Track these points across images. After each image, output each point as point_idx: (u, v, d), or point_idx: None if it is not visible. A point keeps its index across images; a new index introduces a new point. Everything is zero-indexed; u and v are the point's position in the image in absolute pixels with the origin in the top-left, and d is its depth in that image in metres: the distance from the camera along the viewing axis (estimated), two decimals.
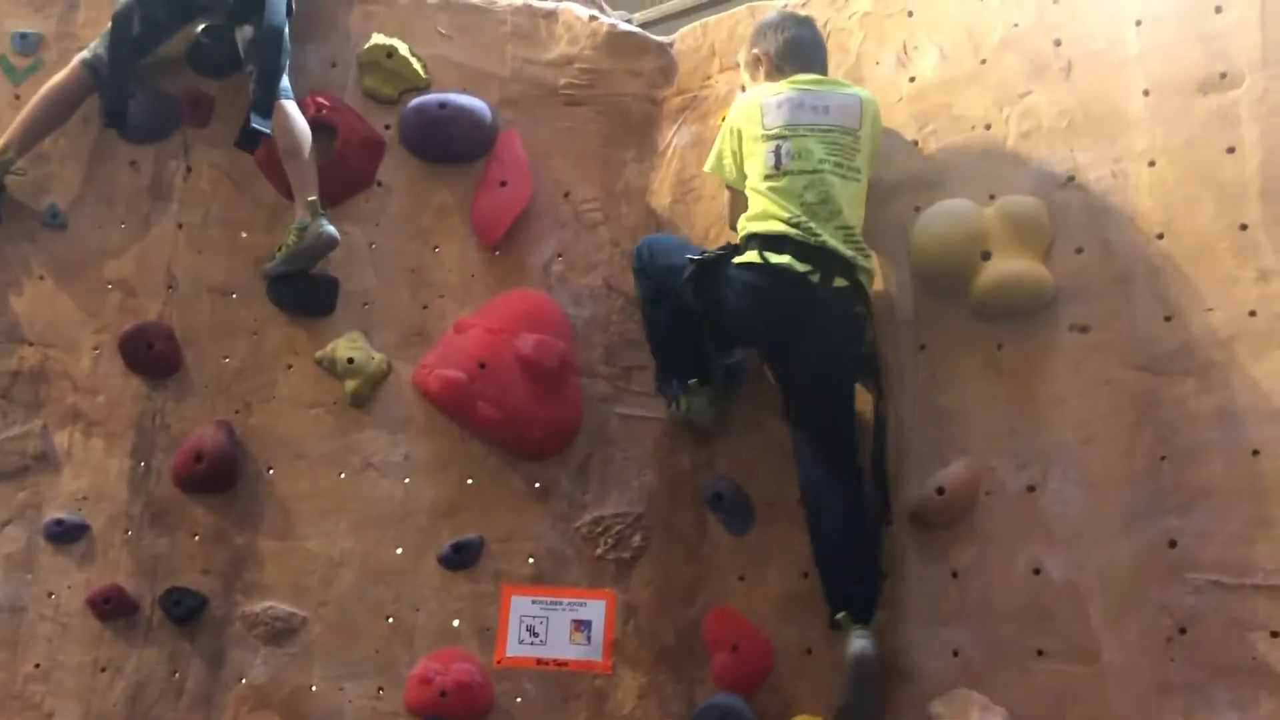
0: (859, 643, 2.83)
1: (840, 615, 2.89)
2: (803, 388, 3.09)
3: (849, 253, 3.00)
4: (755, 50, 3.25)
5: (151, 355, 3.49)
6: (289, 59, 3.48)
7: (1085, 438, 2.89)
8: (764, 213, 3.04)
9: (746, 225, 3.08)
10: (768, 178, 3.04)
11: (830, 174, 3.02)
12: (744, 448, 3.34)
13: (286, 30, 3.46)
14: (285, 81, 3.45)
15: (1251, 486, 2.69)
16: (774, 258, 2.97)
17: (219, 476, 3.40)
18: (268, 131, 3.37)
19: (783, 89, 3.11)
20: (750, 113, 3.12)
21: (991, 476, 2.98)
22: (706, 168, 3.30)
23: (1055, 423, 2.93)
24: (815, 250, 2.97)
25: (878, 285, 3.21)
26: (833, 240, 2.98)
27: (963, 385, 3.09)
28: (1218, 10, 2.94)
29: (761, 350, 3.24)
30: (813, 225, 2.98)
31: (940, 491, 2.98)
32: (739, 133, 3.13)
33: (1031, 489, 2.92)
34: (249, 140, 3.38)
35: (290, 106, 3.44)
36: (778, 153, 3.04)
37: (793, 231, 2.98)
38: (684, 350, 3.25)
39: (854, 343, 3.04)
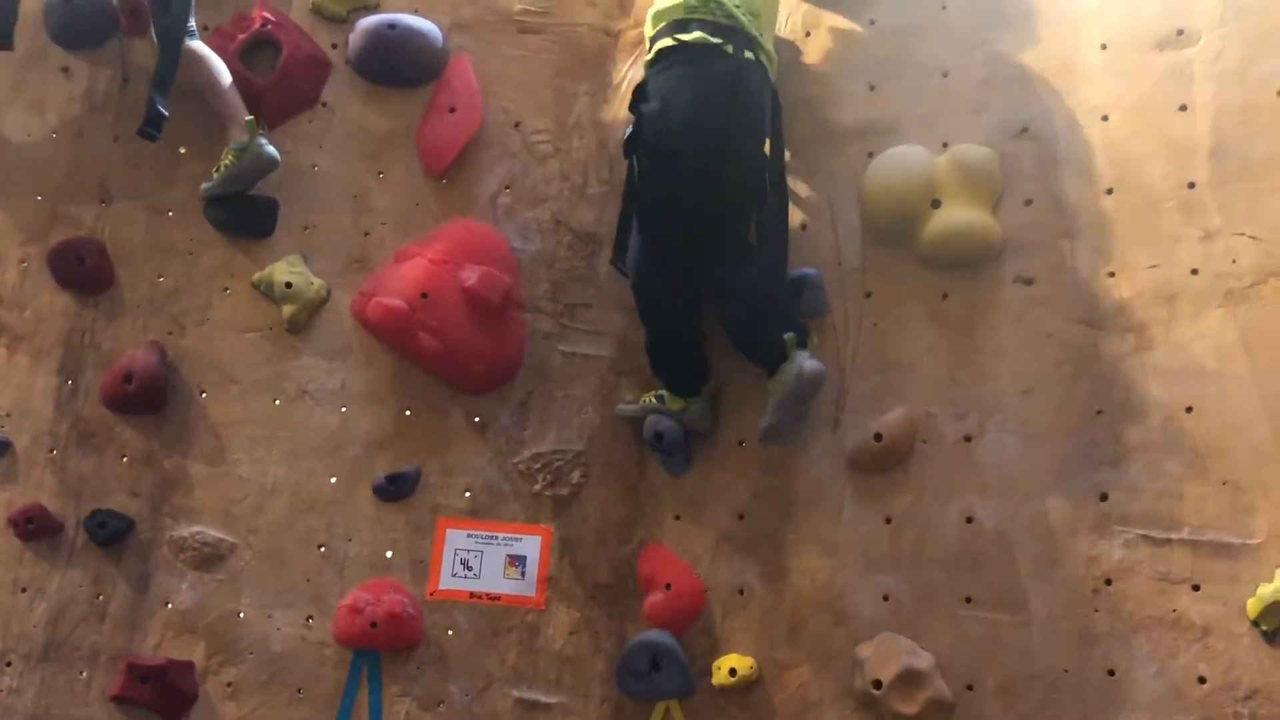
0: (809, 363, 2.88)
1: (788, 336, 2.91)
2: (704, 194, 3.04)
3: (753, 31, 3.03)
4: None
5: (82, 270, 3.39)
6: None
7: (1024, 389, 2.90)
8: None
9: (651, 20, 3.14)
10: None
11: None
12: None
13: None
14: (191, 23, 3.32)
15: (1184, 443, 2.73)
16: (684, 36, 3.00)
17: (149, 398, 3.32)
18: (167, 115, 3.24)
19: None
20: None
21: (930, 424, 2.99)
22: None
23: (995, 374, 2.94)
24: (722, 26, 3.00)
25: (826, 230, 3.18)
26: (738, 14, 3.01)
27: (907, 333, 3.09)
28: None
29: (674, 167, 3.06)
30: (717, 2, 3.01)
31: (878, 438, 2.99)
32: None
33: (968, 439, 2.94)
34: (154, 124, 3.23)
35: (194, 45, 3.31)
36: None
37: (698, 8, 3.01)
38: (684, 361, 3.21)
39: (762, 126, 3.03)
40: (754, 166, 3.04)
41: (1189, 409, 2.73)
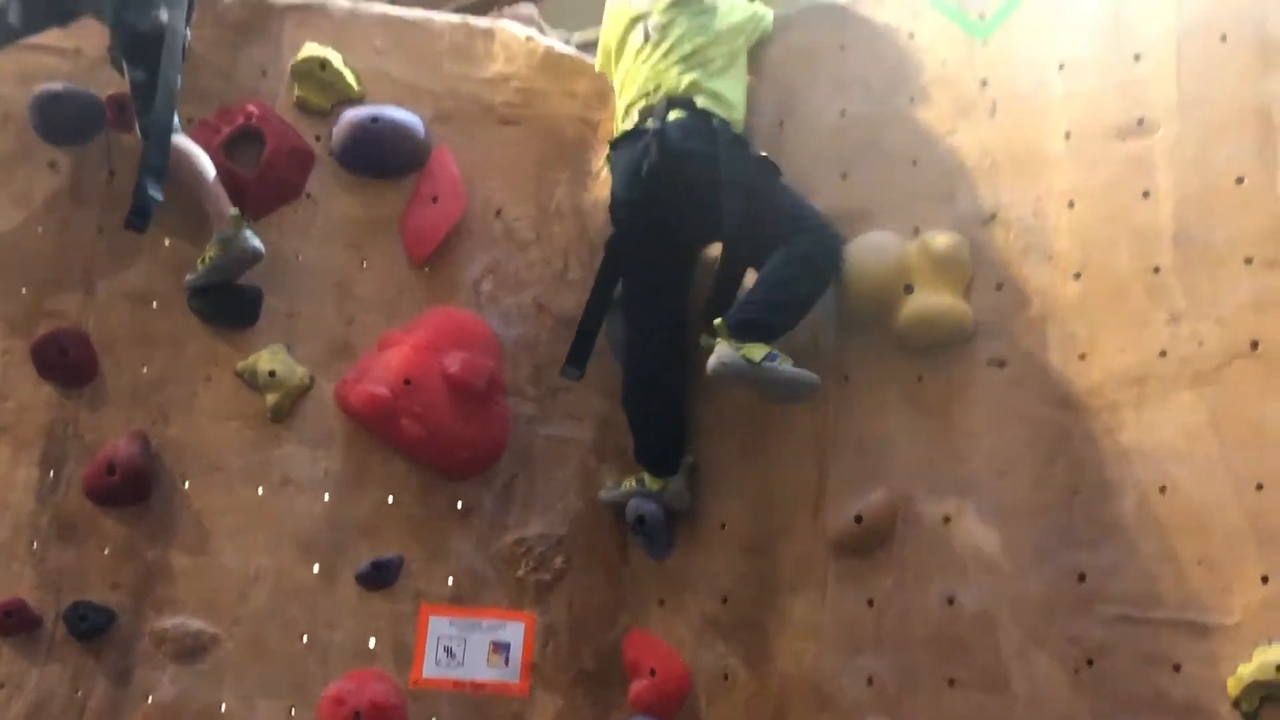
0: (713, 360, 2.92)
1: (717, 323, 2.97)
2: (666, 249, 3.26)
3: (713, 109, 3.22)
4: None
5: (65, 362, 3.40)
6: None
7: (1000, 470, 2.94)
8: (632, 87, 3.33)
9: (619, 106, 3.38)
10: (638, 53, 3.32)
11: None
12: None
13: (179, 79, 3.36)
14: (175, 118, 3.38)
15: (1159, 523, 2.76)
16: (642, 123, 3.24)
17: (132, 488, 3.32)
18: (160, 199, 3.27)
19: None
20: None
21: (909, 506, 3.02)
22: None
23: (972, 455, 2.99)
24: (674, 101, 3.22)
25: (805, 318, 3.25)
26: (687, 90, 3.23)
27: (884, 416, 3.13)
28: (1136, 58, 3.04)
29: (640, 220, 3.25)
30: (672, 82, 3.24)
31: (859, 520, 3.02)
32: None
33: (947, 520, 2.97)
34: (141, 215, 3.26)
35: (179, 140, 3.37)
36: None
37: (651, 98, 3.26)
38: (669, 440, 3.27)
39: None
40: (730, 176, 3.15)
41: (1162, 489, 2.77)
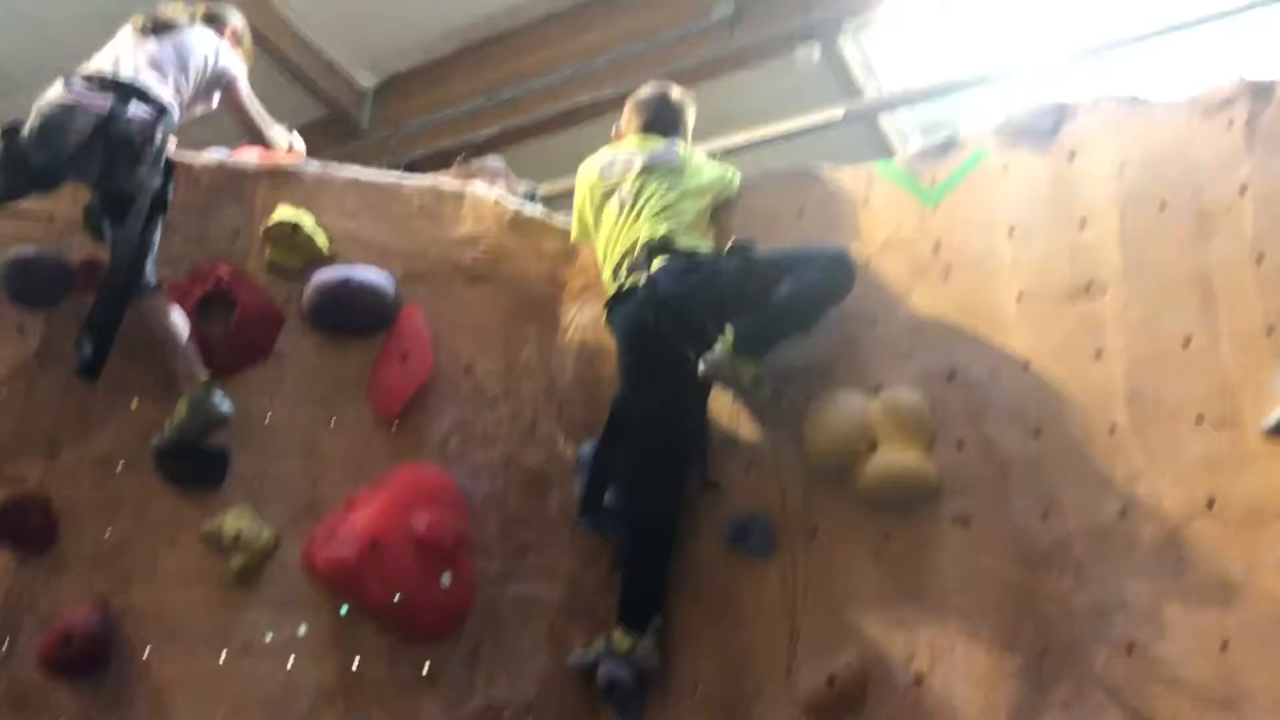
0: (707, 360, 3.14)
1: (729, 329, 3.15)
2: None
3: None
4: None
5: (24, 529, 3.35)
6: (155, 250, 3.46)
7: (969, 631, 2.95)
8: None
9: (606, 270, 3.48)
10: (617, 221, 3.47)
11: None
12: None
13: (155, 237, 3.44)
14: (149, 272, 3.42)
15: (1128, 683, 2.77)
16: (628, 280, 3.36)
17: (89, 659, 3.23)
18: (89, 356, 3.32)
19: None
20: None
21: (881, 667, 3.01)
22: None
23: (941, 615, 3.00)
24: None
25: (770, 472, 3.28)
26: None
27: (853, 573, 3.15)
28: (1082, 224, 3.17)
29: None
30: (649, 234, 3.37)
31: (831, 683, 3.00)
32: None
33: (918, 681, 2.96)
34: (87, 371, 3.32)
35: (153, 301, 3.42)
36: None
37: (633, 255, 3.38)
38: (656, 584, 3.29)
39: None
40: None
41: (1130, 648, 2.79)
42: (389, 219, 3.77)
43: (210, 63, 3.68)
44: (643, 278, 3.31)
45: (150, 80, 3.48)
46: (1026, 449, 3.05)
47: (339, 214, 3.75)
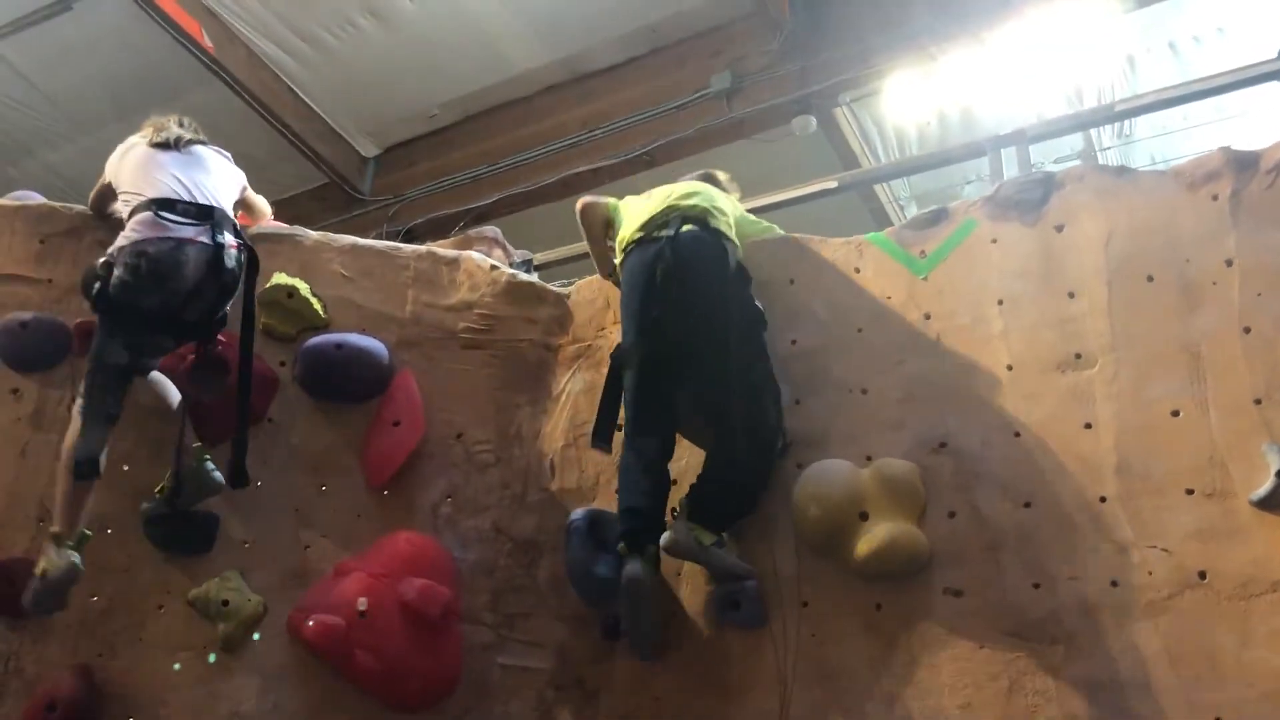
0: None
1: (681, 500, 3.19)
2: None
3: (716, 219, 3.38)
4: None
5: (11, 593, 3.32)
6: None
7: (962, 704, 2.92)
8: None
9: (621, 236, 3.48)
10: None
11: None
12: (628, 703, 3.28)
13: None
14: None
15: None
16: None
17: None
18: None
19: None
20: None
21: None
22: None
23: (933, 688, 2.96)
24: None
25: (761, 540, 3.27)
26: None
27: (844, 644, 3.12)
28: (1070, 295, 3.19)
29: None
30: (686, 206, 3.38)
31: None
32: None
33: None
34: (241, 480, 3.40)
35: (155, 376, 3.46)
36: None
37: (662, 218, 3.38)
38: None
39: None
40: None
41: None
42: (384, 285, 3.81)
43: (233, 173, 3.66)
44: (669, 232, 3.30)
45: (224, 201, 3.45)
46: (1017, 519, 3.03)
47: (335, 279, 3.78)
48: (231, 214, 3.49)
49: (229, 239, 3.35)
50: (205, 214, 3.34)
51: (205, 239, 3.29)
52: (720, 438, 3.22)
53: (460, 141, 6.99)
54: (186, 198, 3.35)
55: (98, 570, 3.41)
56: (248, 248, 3.42)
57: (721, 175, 3.77)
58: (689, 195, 3.44)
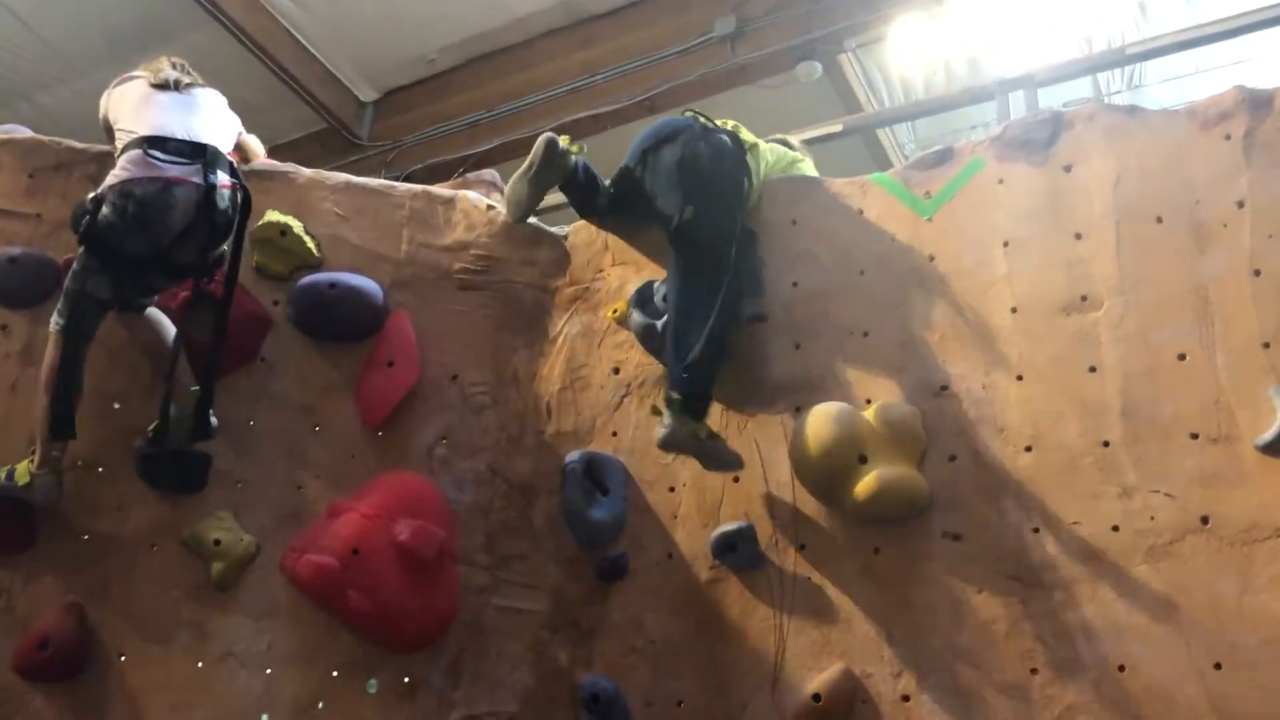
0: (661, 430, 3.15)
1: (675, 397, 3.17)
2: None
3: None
4: None
5: (2, 530, 3.30)
6: None
7: (959, 648, 2.90)
8: None
9: None
10: None
11: None
12: (623, 646, 3.27)
13: None
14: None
15: (1118, 702, 2.71)
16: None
17: (65, 664, 3.19)
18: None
19: None
20: None
21: (868, 683, 2.96)
22: None
23: (930, 631, 2.94)
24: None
25: (758, 483, 3.23)
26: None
27: (841, 588, 3.09)
28: (1077, 237, 3.13)
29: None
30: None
31: (816, 699, 2.94)
32: None
33: (906, 699, 2.91)
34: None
35: (153, 313, 3.46)
36: None
37: None
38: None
39: None
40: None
41: (1121, 668, 2.73)
42: (379, 224, 3.74)
43: (230, 118, 3.60)
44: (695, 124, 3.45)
45: (219, 142, 3.38)
46: (1019, 463, 3.00)
47: (329, 218, 3.72)
48: (228, 155, 3.42)
49: (222, 178, 3.29)
50: (198, 152, 3.28)
51: (197, 179, 3.23)
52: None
53: (459, 86, 6.89)
54: (181, 136, 3.28)
55: (90, 509, 3.39)
56: (244, 188, 3.35)
57: (794, 139, 3.94)
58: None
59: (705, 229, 3.28)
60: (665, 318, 3.36)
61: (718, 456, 3.20)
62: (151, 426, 3.35)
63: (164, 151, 3.24)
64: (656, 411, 3.26)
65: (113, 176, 3.21)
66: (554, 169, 3.59)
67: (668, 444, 3.17)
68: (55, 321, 3.22)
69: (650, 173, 3.47)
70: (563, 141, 3.60)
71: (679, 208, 3.31)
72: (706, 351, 3.16)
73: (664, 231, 3.40)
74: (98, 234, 3.16)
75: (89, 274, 3.20)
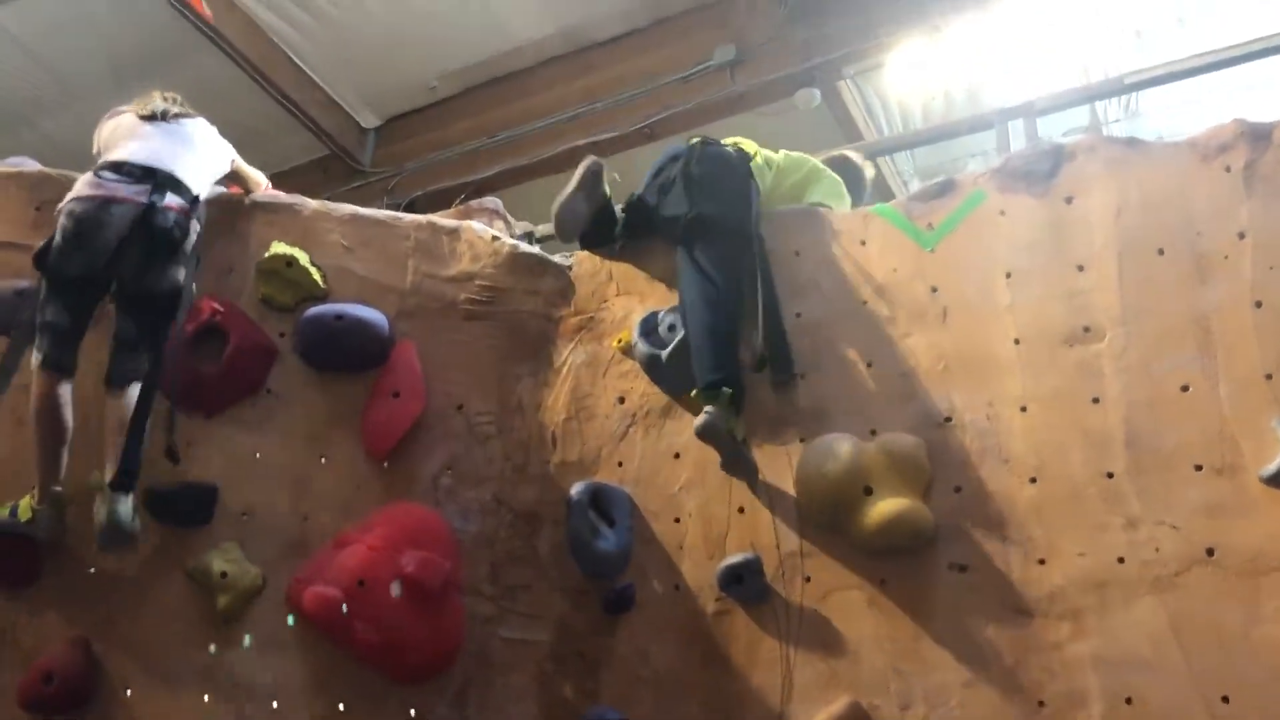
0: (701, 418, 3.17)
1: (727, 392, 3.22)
2: None
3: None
4: None
5: (6, 564, 3.30)
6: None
7: (966, 680, 2.90)
8: None
9: None
10: None
11: None
12: (629, 677, 3.26)
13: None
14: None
15: None
16: None
17: (70, 699, 3.19)
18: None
19: None
20: None
21: (876, 715, 2.96)
22: None
23: (937, 663, 2.94)
24: None
25: (764, 514, 3.24)
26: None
27: (848, 620, 3.10)
28: (1079, 268, 3.16)
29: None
30: None
31: None
32: None
33: None
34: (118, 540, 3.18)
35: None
36: None
37: None
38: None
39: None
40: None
41: (1129, 700, 2.74)
42: (384, 255, 3.76)
43: (219, 148, 3.65)
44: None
45: (181, 169, 3.39)
46: (1024, 494, 3.01)
47: (334, 249, 3.73)
48: (199, 185, 3.45)
49: (171, 200, 3.30)
50: (148, 174, 3.30)
51: (141, 198, 3.24)
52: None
53: (460, 113, 6.93)
54: (139, 160, 3.32)
55: (95, 542, 3.38)
56: (198, 219, 3.36)
57: (853, 155, 4.14)
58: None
59: (714, 221, 3.43)
60: (669, 347, 3.39)
61: (743, 460, 3.25)
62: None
63: (116, 173, 3.28)
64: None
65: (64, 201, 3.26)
66: (599, 191, 3.72)
67: (707, 431, 3.16)
68: (34, 357, 3.22)
69: (659, 193, 3.64)
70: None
71: (687, 209, 3.47)
72: (772, 337, 3.27)
73: (675, 238, 3.52)
74: (46, 258, 3.19)
75: (46, 302, 3.22)
